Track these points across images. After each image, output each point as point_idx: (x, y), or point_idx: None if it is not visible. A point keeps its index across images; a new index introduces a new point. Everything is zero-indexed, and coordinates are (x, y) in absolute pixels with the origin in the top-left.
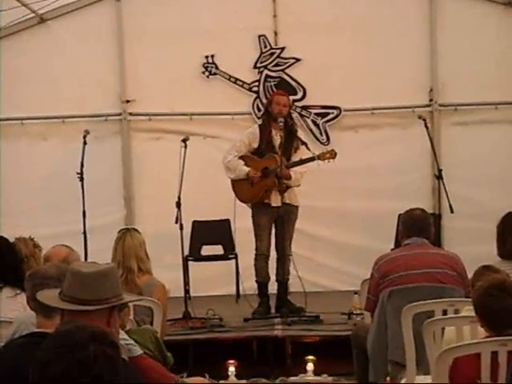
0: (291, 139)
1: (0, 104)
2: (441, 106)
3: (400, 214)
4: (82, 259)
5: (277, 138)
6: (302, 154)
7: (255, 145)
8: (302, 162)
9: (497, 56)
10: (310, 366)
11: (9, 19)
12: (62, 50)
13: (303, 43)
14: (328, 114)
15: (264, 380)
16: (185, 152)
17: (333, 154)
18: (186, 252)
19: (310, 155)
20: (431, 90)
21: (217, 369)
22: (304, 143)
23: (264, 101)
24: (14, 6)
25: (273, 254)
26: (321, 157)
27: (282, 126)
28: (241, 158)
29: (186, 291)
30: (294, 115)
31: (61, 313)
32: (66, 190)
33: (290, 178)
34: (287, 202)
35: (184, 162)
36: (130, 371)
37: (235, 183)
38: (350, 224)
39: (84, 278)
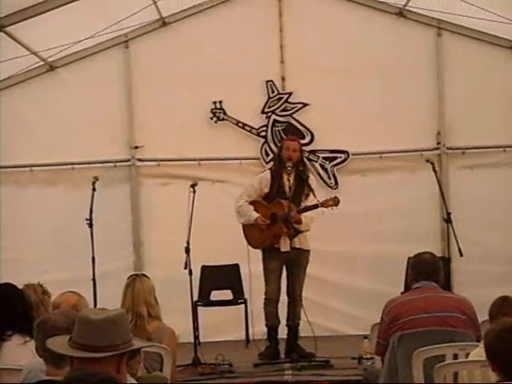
0: (302, 185)
1: (9, 151)
2: (449, 149)
3: (409, 258)
4: (92, 305)
5: (288, 184)
6: (312, 200)
7: (266, 190)
8: (306, 209)
9: (504, 99)
10: None
11: (19, 67)
12: (71, 96)
13: (310, 88)
14: (336, 158)
15: None
16: (193, 197)
17: (336, 201)
18: (196, 297)
19: (315, 202)
20: (439, 133)
21: None
22: (311, 190)
23: (272, 146)
24: (24, 54)
25: (284, 298)
26: (324, 204)
27: (290, 170)
28: (251, 203)
29: (196, 337)
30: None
31: (70, 360)
32: (75, 236)
33: (300, 222)
34: (297, 246)
35: (193, 207)
36: None
37: (246, 228)
38: (360, 268)
39: (93, 325)
